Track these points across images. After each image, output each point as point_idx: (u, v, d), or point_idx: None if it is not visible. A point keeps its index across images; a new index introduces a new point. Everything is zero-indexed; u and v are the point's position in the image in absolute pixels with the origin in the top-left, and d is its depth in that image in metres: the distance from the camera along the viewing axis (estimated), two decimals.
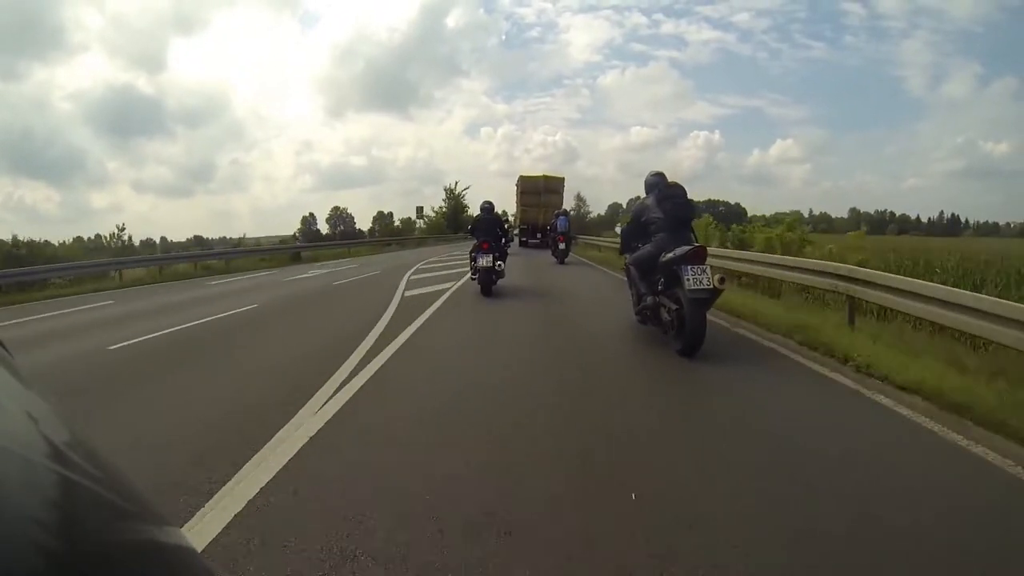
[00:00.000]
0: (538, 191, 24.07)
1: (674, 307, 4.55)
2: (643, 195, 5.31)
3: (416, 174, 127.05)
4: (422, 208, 44.98)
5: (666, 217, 4.87)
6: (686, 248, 4.51)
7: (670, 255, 4.59)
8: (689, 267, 4.43)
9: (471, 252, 8.48)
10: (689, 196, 5.05)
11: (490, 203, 9.10)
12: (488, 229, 8.39)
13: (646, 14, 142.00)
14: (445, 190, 50.67)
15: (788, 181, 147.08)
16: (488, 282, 8.11)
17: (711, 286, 4.40)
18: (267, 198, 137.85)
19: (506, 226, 9.61)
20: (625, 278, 5.93)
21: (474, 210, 45.59)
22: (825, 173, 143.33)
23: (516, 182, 25.60)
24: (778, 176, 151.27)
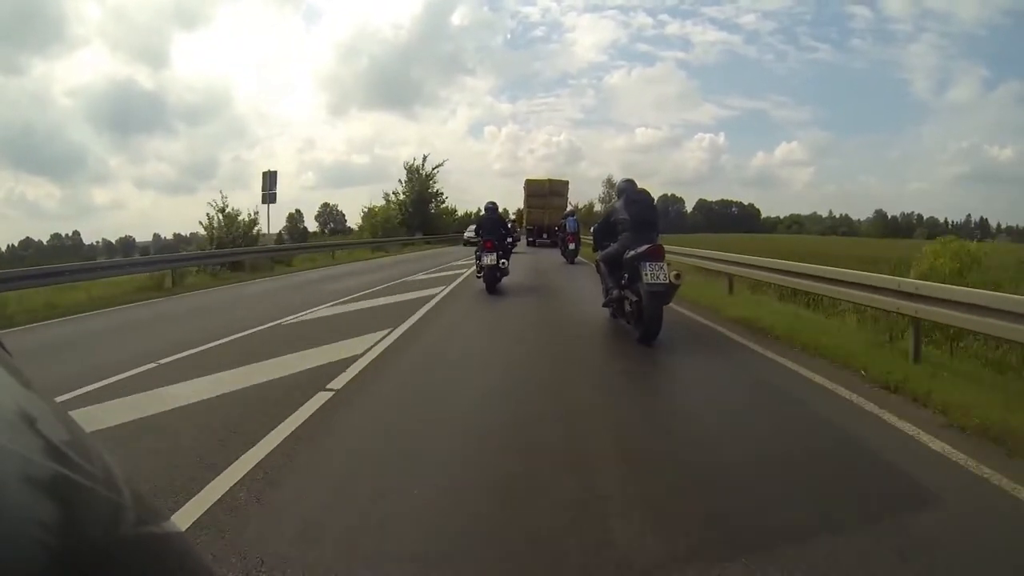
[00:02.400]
0: (544, 194, 25.03)
1: (635, 299, 5.10)
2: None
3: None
4: (273, 176, 18.52)
5: (632, 219, 5.42)
6: (646, 246, 5.06)
7: (632, 252, 5.15)
8: (648, 263, 4.97)
9: (476, 251, 8.98)
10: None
11: (493, 203, 9.65)
12: (492, 229, 8.78)
13: (651, 14, 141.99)
14: (406, 167, 34.20)
15: (792, 184, 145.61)
16: (492, 280, 8.54)
17: (667, 281, 4.93)
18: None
19: (510, 225, 10.10)
20: (598, 274, 6.49)
21: (454, 199, 38.89)
22: (829, 176, 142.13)
23: (523, 185, 26.39)
24: (782, 179, 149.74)
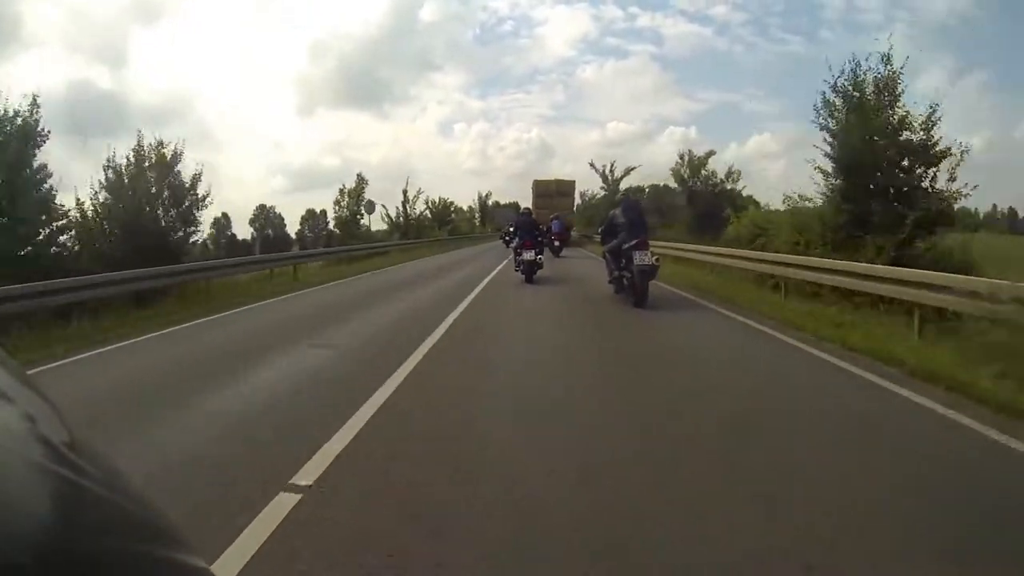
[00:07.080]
0: (551, 194, 27.47)
1: (629, 276, 7.79)
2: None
3: (389, 173, 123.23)
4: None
5: (627, 222, 8.11)
6: (636, 239, 7.75)
7: (627, 245, 7.83)
8: (637, 251, 7.65)
9: (515, 248, 11.66)
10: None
11: (528, 208, 13.15)
12: (529, 230, 11.58)
13: (621, 7, 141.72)
14: None
15: (765, 178, 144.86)
16: (531, 272, 11.18)
17: (651, 263, 7.63)
18: (239, 201, 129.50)
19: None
20: (604, 261, 9.22)
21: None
22: (801, 167, 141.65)
23: (531, 186, 29.01)
24: (754, 172, 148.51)
